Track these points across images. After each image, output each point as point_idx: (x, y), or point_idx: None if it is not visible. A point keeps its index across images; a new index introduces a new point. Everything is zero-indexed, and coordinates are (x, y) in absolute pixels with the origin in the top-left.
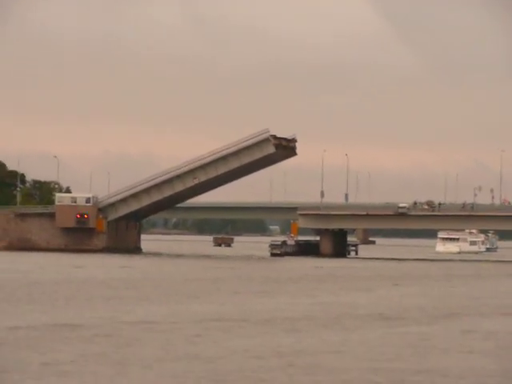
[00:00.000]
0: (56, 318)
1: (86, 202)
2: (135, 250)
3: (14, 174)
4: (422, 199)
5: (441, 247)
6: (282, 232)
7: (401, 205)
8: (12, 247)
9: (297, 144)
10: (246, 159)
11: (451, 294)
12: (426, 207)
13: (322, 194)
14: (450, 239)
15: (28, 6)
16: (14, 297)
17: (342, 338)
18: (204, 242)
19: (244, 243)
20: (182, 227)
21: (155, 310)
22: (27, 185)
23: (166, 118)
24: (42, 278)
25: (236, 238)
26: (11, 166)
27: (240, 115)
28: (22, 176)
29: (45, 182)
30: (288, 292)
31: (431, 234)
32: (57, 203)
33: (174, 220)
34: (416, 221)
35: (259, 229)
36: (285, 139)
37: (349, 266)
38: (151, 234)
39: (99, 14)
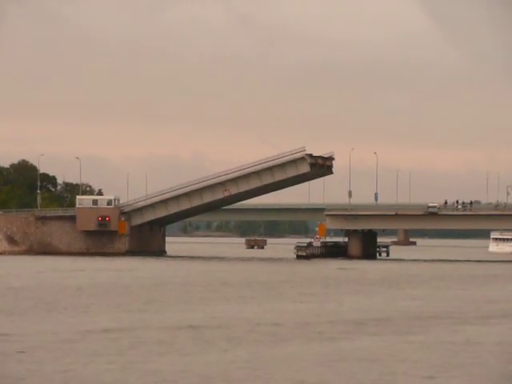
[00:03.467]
0: None
1: (108, 205)
2: (160, 253)
3: (44, 176)
4: (467, 199)
5: (494, 247)
6: (327, 233)
7: (431, 204)
8: (32, 251)
9: (334, 162)
10: (280, 176)
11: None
12: (459, 207)
13: (350, 194)
14: (504, 239)
15: None
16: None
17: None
18: (240, 245)
19: (278, 245)
20: (225, 229)
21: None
22: (59, 188)
23: (216, 120)
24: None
25: (272, 240)
26: (48, 169)
27: (286, 114)
28: (53, 178)
29: (76, 185)
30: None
31: (483, 235)
32: (77, 206)
33: (217, 223)
34: (447, 220)
35: (303, 230)
36: (321, 158)
37: (364, 269)
38: (195, 236)
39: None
